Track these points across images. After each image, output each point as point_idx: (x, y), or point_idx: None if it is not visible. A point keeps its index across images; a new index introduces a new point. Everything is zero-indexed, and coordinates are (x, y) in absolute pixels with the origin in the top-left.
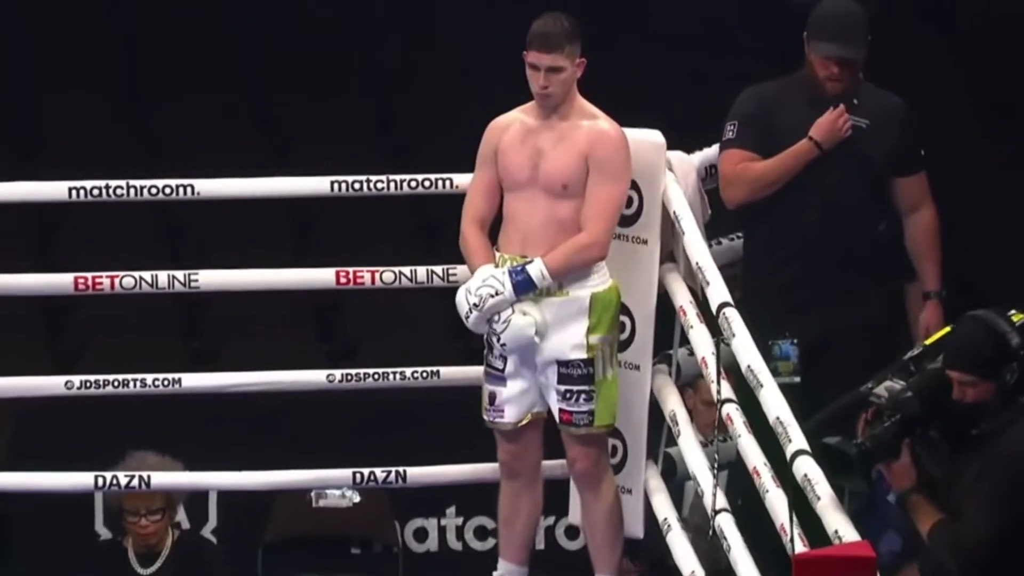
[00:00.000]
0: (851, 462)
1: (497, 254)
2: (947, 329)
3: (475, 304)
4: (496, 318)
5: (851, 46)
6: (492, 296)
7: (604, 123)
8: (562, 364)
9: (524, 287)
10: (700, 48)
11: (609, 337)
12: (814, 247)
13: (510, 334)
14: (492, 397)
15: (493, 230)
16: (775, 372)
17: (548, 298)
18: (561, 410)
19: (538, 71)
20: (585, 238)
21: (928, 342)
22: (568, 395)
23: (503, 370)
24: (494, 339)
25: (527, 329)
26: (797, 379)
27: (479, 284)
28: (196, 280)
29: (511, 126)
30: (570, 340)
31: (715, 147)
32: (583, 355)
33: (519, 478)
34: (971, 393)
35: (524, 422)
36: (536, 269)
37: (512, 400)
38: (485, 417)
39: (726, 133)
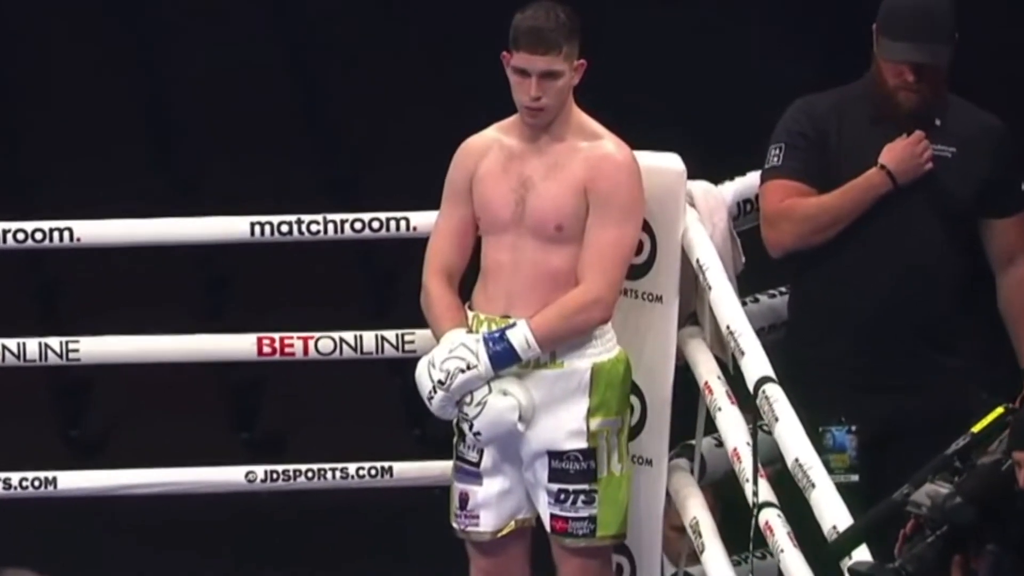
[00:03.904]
0: None
1: (470, 314)
2: (999, 411)
3: (440, 381)
4: (468, 399)
5: (931, 47)
6: (462, 371)
7: (609, 144)
8: (555, 456)
9: (503, 359)
10: (735, 47)
11: (616, 421)
12: (881, 309)
13: (486, 420)
14: (464, 499)
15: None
16: (827, 467)
17: (538, 371)
18: (553, 516)
19: (527, 78)
20: (583, 295)
21: (976, 429)
22: (563, 496)
23: (478, 464)
24: (465, 426)
25: (507, 414)
26: (855, 477)
27: (445, 355)
28: (76, 350)
29: (489, 150)
30: (565, 425)
31: (752, 176)
32: (582, 444)
33: None
34: None
35: (505, 532)
36: (519, 336)
37: (490, 503)
38: (455, 524)
39: (769, 159)
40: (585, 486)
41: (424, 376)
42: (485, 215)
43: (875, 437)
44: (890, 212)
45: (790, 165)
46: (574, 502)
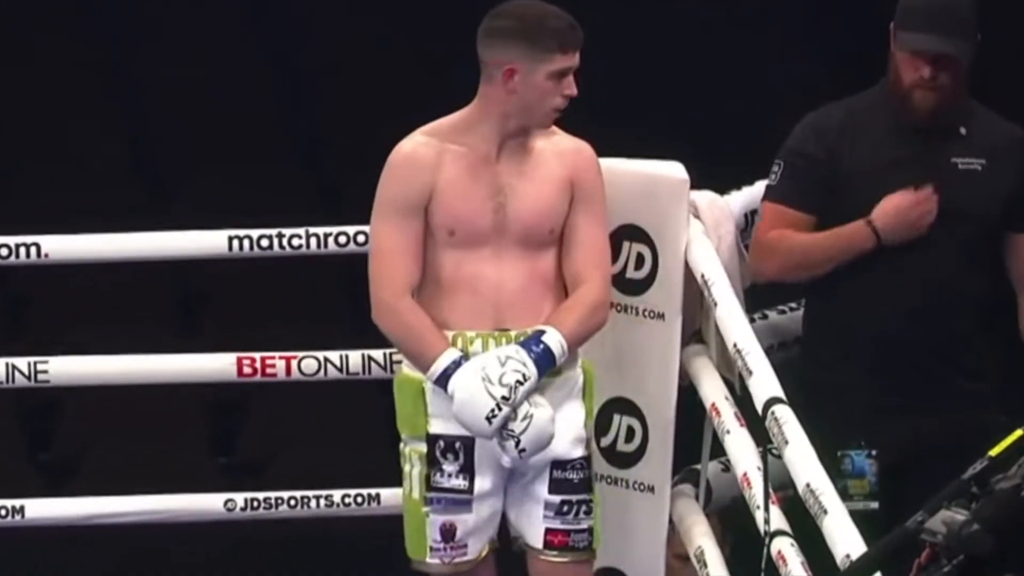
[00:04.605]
0: None
1: (450, 333)
2: (1018, 433)
3: (504, 397)
4: (512, 415)
5: (951, 39)
6: (521, 383)
7: (569, 138)
8: (558, 466)
9: (546, 366)
10: (741, 50)
11: (592, 426)
12: (899, 329)
13: (533, 436)
14: (449, 530)
15: None
16: (845, 494)
17: (546, 379)
18: (550, 530)
19: (565, 78)
20: (593, 296)
21: (994, 452)
22: (565, 508)
23: (470, 491)
24: (508, 445)
25: (550, 426)
26: (874, 504)
27: (500, 369)
28: (45, 371)
29: (442, 157)
30: (570, 433)
31: (760, 185)
32: (584, 452)
33: None
34: None
35: (483, 555)
36: (555, 341)
37: (479, 529)
38: (432, 560)
39: (771, 175)
40: (586, 496)
41: (481, 395)
42: (459, 226)
43: (893, 463)
44: None
45: (786, 187)
46: (576, 513)
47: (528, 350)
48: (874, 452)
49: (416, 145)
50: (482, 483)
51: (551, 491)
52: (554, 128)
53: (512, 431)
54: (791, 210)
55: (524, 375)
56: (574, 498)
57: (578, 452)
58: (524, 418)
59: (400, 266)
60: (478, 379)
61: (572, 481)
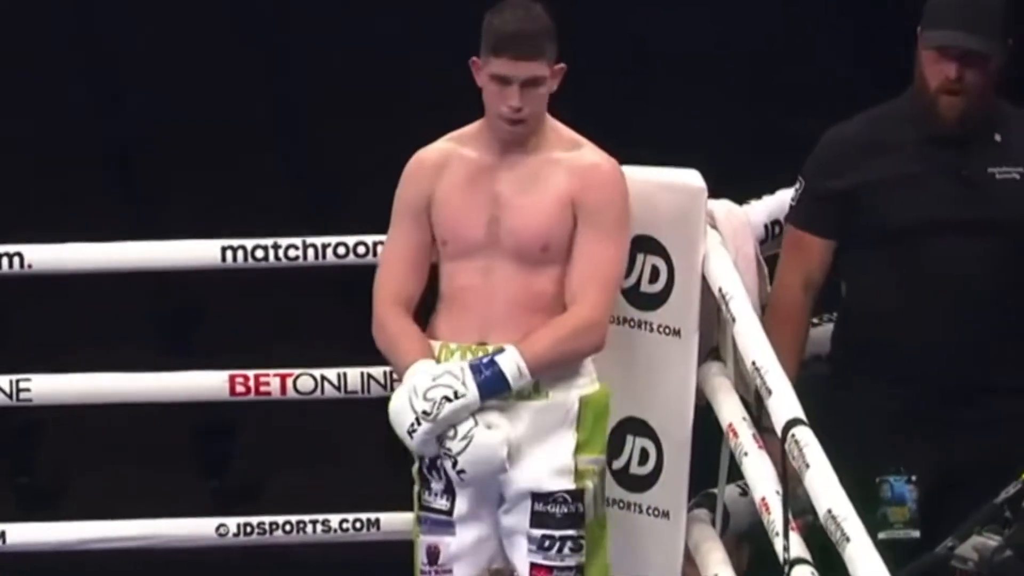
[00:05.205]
0: None
1: (435, 343)
2: None
3: (425, 411)
4: (451, 433)
5: (978, 35)
6: (448, 400)
7: (592, 153)
8: (539, 498)
9: (492, 388)
10: (758, 51)
11: (601, 460)
12: (937, 346)
13: (472, 457)
14: (433, 553)
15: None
16: (884, 521)
17: (519, 402)
18: (535, 565)
19: (508, 86)
20: (579, 318)
21: None
22: (547, 543)
23: (450, 512)
24: (448, 464)
25: (498, 450)
26: (915, 533)
27: (429, 384)
28: (27, 389)
29: (449, 163)
30: (551, 463)
31: (781, 195)
32: (569, 485)
33: None
34: None
35: None
36: (510, 362)
37: (464, 554)
38: None
39: (793, 192)
40: (572, 532)
41: (405, 408)
42: (452, 237)
43: (933, 488)
44: (949, 242)
45: (804, 210)
46: (560, 549)
47: (475, 370)
48: (914, 477)
49: (428, 151)
50: (461, 505)
51: (532, 524)
52: (582, 140)
53: (449, 450)
54: (808, 235)
55: (455, 392)
56: (556, 534)
57: (560, 485)
58: (463, 438)
59: (392, 274)
60: (407, 391)
61: (554, 516)
